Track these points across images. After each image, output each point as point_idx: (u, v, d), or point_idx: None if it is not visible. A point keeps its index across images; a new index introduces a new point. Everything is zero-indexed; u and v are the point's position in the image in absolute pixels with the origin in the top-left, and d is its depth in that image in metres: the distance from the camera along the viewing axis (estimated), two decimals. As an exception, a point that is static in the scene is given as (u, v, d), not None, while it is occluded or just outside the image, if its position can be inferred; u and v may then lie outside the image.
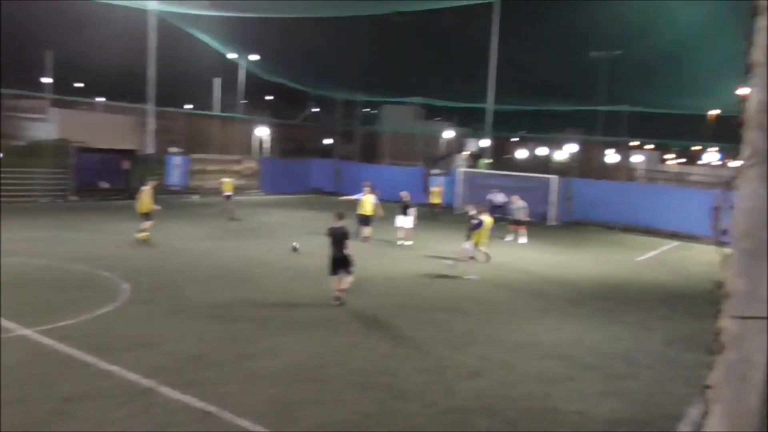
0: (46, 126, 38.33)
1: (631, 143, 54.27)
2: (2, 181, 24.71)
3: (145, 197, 17.58)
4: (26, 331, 9.29)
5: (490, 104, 33.43)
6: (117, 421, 6.63)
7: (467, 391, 8.18)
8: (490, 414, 7.50)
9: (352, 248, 12.01)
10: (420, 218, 21.26)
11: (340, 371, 8.58)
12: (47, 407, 6.86)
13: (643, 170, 58.56)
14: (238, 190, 32.47)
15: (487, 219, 15.80)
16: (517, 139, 58.78)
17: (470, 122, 50.02)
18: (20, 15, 38.69)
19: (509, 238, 22.17)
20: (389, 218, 20.74)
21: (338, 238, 11.92)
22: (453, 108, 46.79)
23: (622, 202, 28.37)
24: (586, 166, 48.48)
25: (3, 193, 24.33)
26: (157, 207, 17.96)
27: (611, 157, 55.81)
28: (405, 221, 20.04)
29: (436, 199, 28.08)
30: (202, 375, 8.08)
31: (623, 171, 49.47)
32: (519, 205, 22.62)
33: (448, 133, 51.65)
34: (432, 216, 26.88)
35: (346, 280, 12.01)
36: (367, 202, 19.79)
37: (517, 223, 22.47)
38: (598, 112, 38.61)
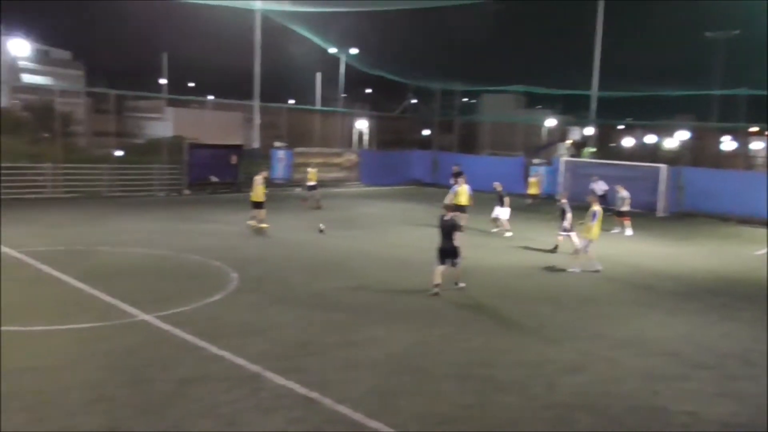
0: (162, 124, 40.73)
1: (750, 129, 50.55)
2: (124, 177, 26.56)
3: (258, 187, 18.70)
4: (146, 317, 10.00)
5: (594, 90, 32.20)
6: (226, 404, 7.01)
7: (569, 386, 8.00)
8: (593, 411, 7.30)
9: (459, 240, 12.32)
10: (516, 209, 20.98)
11: (439, 362, 8.63)
12: (166, 388, 7.36)
13: (764, 158, 54.35)
14: (338, 182, 33.28)
15: (597, 209, 15.03)
16: (623, 126, 56.24)
17: (573, 110, 48.37)
18: (138, 22, 41.36)
19: (616, 230, 21.34)
20: (484, 209, 20.68)
21: (447, 229, 12.29)
22: (555, 95, 45.44)
23: (739, 192, 26.48)
24: (699, 154, 45.71)
25: (125, 188, 26.16)
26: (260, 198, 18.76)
27: (727, 144, 52.30)
28: (502, 212, 20.04)
29: (533, 190, 27.63)
30: (305, 362, 8.38)
31: (741, 159, 46.21)
32: (623, 195, 21.71)
33: (550, 122, 50.23)
34: (528, 207, 26.38)
35: (457, 271, 12.52)
36: (463, 192, 20.32)
37: (620, 214, 21.57)
38: (713, 97, 36.21)
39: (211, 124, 39.94)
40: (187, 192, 27.58)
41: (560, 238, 16.84)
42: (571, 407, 7.38)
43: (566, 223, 16.42)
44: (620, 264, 16.13)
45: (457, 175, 26.27)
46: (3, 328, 9.18)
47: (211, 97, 51.74)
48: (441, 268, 12.30)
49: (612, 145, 56.17)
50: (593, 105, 33.00)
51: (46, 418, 6.54)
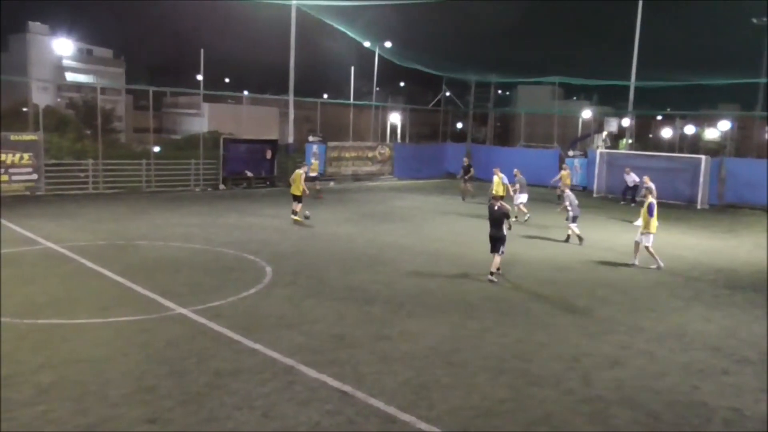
0: (199, 120, 41.36)
1: (798, 117, 48.96)
2: (162, 172, 27.05)
3: (298, 180, 19.28)
4: (183, 310, 10.18)
5: (632, 80, 31.53)
6: (262, 396, 7.10)
7: (606, 380, 7.88)
8: (631, 406, 7.18)
9: (506, 229, 13.04)
10: (550, 201, 20.77)
11: (474, 355, 8.59)
12: (203, 380, 7.49)
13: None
14: (372, 175, 33.32)
15: (651, 200, 14.72)
16: (661, 117, 55.05)
17: (611, 100, 47.55)
18: (176, 19, 41.94)
19: (639, 222, 20.93)
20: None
21: (497, 219, 12.91)
22: (592, 86, 44.70)
23: (785, 182, 25.70)
24: (743, 144, 44.46)
25: (163, 184, 26.64)
26: (306, 191, 19.62)
27: (774, 133, 50.75)
28: (520, 197, 21.10)
29: (565, 182, 27.08)
30: (339, 355, 8.43)
31: (787, 148, 44.82)
32: (649, 186, 21.30)
33: (587, 113, 49.43)
34: (558, 199, 25.97)
35: (496, 260, 12.89)
36: (498, 184, 21.57)
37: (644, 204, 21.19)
38: (759, 85, 35.10)
39: (246, 119, 40.37)
40: (222, 187, 27.95)
41: (573, 227, 17.04)
42: (609, 402, 7.27)
43: (572, 213, 16.71)
44: (661, 256, 15.79)
45: (467, 168, 26.64)
46: (47, 321, 9.46)
47: (246, 93, 52.34)
48: (495, 255, 12.88)
49: (650, 136, 55.02)
50: (631, 95, 32.33)
51: (89, 408, 6.71)
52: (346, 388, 7.34)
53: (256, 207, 22.72)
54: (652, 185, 21.31)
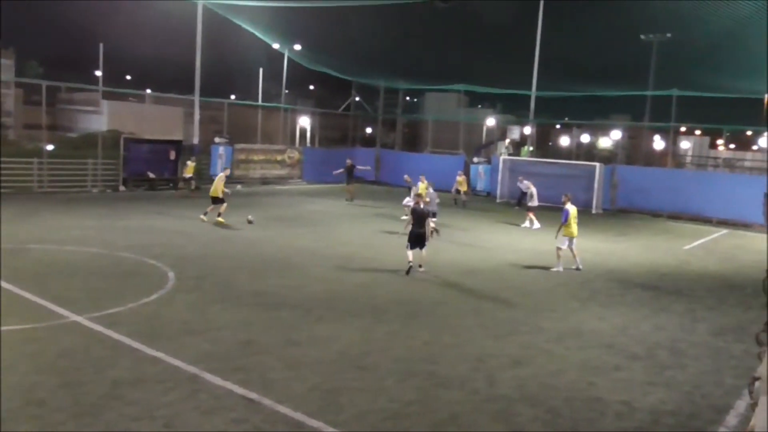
0: (97, 118, 39.39)
1: (681, 129, 52.72)
2: (56, 172, 25.54)
3: (219, 183, 19.59)
4: (78, 318, 9.63)
5: (533, 90, 32.88)
6: (165, 406, 6.82)
7: (510, 379, 8.14)
8: (532, 403, 7.45)
9: (430, 227, 14.32)
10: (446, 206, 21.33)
11: (382, 359, 8.64)
12: (100, 391, 7.11)
13: (693, 156, 56.89)
14: (281, 179, 32.93)
15: (571, 208, 15.23)
16: (560, 126, 57.77)
17: (513, 109, 49.36)
18: (74, 10, 39.79)
19: (526, 224, 21.97)
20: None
21: (420, 217, 13.97)
22: (496, 95, 46.19)
23: (670, 189, 27.66)
24: (633, 153, 47.32)
25: (56, 184, 25.16)
26: (227, 191, 20.01)
27: (659, 143, 54.37)
28: (408, 200, 21.79)
29: (462, 187, 27.46)
30: (246, 362, 8.24)
31: (671, 157, 48.17)
32: (531, 191, 22.49)
33: (491, 121, 51.07)
34: (455, 204, 26.79)
35: (423, 255, 13.93)
36: (423, 189, 22.15)
37: (528, 208, 22.30)
38: (646, 97, 37.55)
39: (149, 118, 38.84)
40: (123, 188, 26.76)
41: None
42: (512, 400, 7.51)
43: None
44: (560, 260, 16.52)
45: (351, 169, 27.32)
46: None
47: (149, 91, 50.36)
48: (410, 252, 13.87)
49: (550, 143, 57.57)
50: (532, 104, 33.71)
51: (-31, 425, 6.21)
52: (253, 395, 7.18)
53: (159, 209, 21.89)
54: (533, 190, 22.49)
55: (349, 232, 19.26)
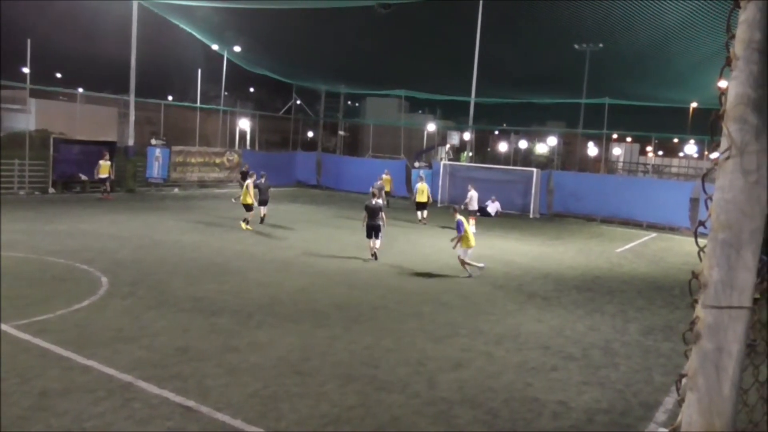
0: (24, 117, 37.72)
1: (612, 136, 54.69)
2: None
3: (249, 190, 19.94)
4: (3, 326, 9.16)
5: (472, 97, 33.45)
6: (96, 416, 6.56)
7: (450, 382, 8.21)
8: (472, 405, 7.54)
9: (384, 219, 16.29)
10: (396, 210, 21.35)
11: (323, 364, 8.57)
12: (26, 402, 6.78)
13: (624, 162, 59.08)
14: (219, 182, 32.34)
15: (459, 217, 14.98)
16: (498, 132, 58.97)
17: (453, 115, 50.09)
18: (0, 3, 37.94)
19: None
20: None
21: (374, 211, 16.05)
22: (436, 100, 46.76)
23: (603, 194, 28.63)
24: (568, 159, 48.74)
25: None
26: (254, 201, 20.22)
27: (592, 149, 56.20)
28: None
29: (421, 198, 24.87)
30: (183, 369, 8.03)
31: (604, 163, 49.88)
32: (471, 194, 22.90)
33: (431, 126, 51.68)
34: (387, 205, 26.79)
35: (377, 244, 15.96)
36: (387, 181, 24.49)
37: (469, 213, 22.60)
38: (580, 105, 38.81)
39: (80, 118, 37.46)
40: (52, 190, 25.71)
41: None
42: (452, 402, 7.58)
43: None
44: (496, 263, 16.85)
45: (245, 174, 27.30)
46: None
47: (81, 90, 48.58)
48: (370, 241, 15.96)
49: (488, 149, 58.66)
50: (471, 111, 34.29)
51: None
52: (190, 402, 7.00)
53: (91, 213, 21.13)
54: (473, 194, 22.84)
55: (289, 236, 19.08)
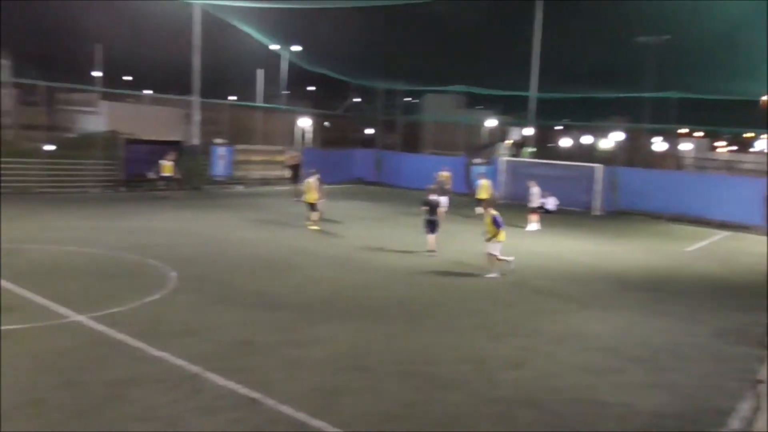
0: (96, 118, 39.32)
1: (680, 131, 52.76)
2: (55, 172, 25.52)
3: (313, 187, 19.66)
4: (79, 318, 9.62)
5: (533, 92, 32.88)
6: (165, 405, 6.81)
7: (510, 381, 8.13)
8: (533, 405, 7.44)
9: (442, 215, 16.70)
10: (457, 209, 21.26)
11: (382, 360, 8.62)
12: (101, 391, 7.10)
13: (692, 158, 56.90)
14: (280, 180, 32.91)
15: (494, 213, 14.45)
16: (561, 127, 57.77)
17: (513, 110, 49.34)
18: (72, 10, 39.75)
19: (533, 226, 21.83)
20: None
21: (433, 206, 16.32)
22: (496, 96, 46.17)
23: (670, 191, 27.63)
24: (633, 155, 47.26)
25: (55, 184, 25.14)
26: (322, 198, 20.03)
27: (659, 145, 54.36)
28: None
29: (483, 194, 24.39)
30: (247, 362, 8.23)
31: (671, 159, 48.17)
32: (533, 191, 22.41)
33: (491, 122, 51.08)
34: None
35: (431, 239, 16.13)
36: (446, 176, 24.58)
37: (531, 210, 22.21)
38: (646, 99, 37.57)
39: (148, 119, 38.79)
40: (122, 189, 26.73)
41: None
42: (512, 402, 7.50)
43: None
44: (558, 261, 16.56)
45: (296, 168, 27.51)
46: None
47: (148, 92, 50.30)
48: (431, 236, 16.11)
49: (550, 145, 57.55)
50: (532, 106, 33.72)
51: (-30, 425, 6.20)
52: (255, 395, 7.17)
53: (159, 210, 21.87)
54: (534, 190, 22.42)
55: (349, 233, 19.25)
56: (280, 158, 33.72)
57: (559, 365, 8.85)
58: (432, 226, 16.18)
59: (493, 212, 14.53)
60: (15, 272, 11.96)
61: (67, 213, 20.05)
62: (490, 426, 6.90)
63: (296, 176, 27.62)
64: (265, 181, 32.68)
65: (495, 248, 14.30)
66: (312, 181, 20.00)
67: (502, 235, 14.31)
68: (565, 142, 59.37)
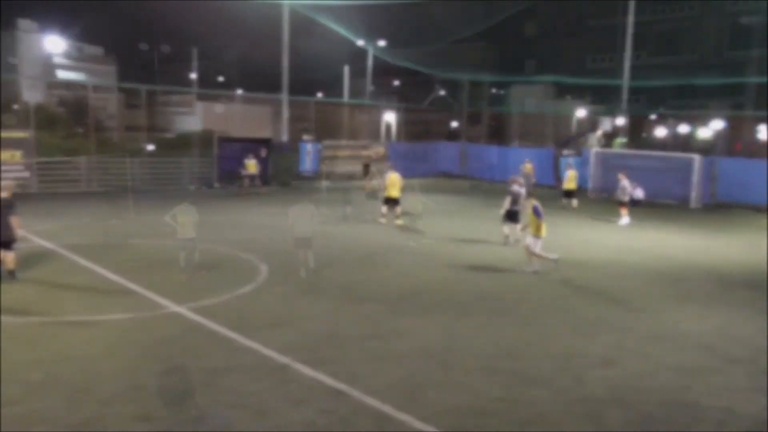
0: (192, 119, 41.24)
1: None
2: (155, 171, 26.98)
3: (396, 182, 19.45)
4: (177, 308, 10.17)
5: (625, 80, 31.66)
6: (255, 394, 7.10)
7: (598, 380, 7.91)
8: (623, 406, 7.21)
9: (524, 206, 15.84)
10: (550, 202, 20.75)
11: (466, 355, 8.61)
12: (196, 378, 7.48)
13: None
14: (366, 175, 33.28)
15: (535, 203, 13.73)
16: (655, 116, 55.26)
17: (604, 100, 47.69)
18: (168, 17, 41.80)
19: (624, 220, 20.92)
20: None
21: (516, 198, 16.37)
22: (585, 85, 44.81)
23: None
24: (734, 144, 44.56)
25: (156, 182, 26.56)
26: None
27: (764, 133, 51.01)
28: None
29: (571, 185, 24.86)
30: (334, 353, 8.43)
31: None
32: (623, 185, 21.40)
33: (580, 112, 49.59)
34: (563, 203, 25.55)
35: (515, 229, 16.19)
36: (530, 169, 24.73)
37: (620, 203, 21.23)
38: (750, 85, 35.35)
39: (240, 117, 40.32)
40: (217, 185, 27.88)
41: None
42: (601, 401, 7.30)
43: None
44: (653, 256, 15.89)
45: (367, 167, 27.30)
46: (38, 318, 9.43)
47: (239, 91, 52.19)
48: (505, 227, 16.45)
49: (644, 135, 55.19)
50: (624, 95, 32.46)
51: (82, 405, 6.70)
52: (341, 386, 7.35)
53: (249, 205, 22.69)
54: (625, 183, 21.45)
55: (431, 226, 19.23)
56: (365, 153, 34.14)
57: (652, 364, 8.52)
58: (511, 216, 16.32)
59: (534, 201, 13.81)
60: (118, 265, 12.84)
61: (166, 209, 20.86)
62: (577, 425, 6.75)
63: (368, 173, 27.92)
64: (351, 176, 33.18)
65: (536, 244, 13.47)
66: (395, 176, 19.73)
67: (544, 230, 13.50)
68: (660, 132, 56.77)
